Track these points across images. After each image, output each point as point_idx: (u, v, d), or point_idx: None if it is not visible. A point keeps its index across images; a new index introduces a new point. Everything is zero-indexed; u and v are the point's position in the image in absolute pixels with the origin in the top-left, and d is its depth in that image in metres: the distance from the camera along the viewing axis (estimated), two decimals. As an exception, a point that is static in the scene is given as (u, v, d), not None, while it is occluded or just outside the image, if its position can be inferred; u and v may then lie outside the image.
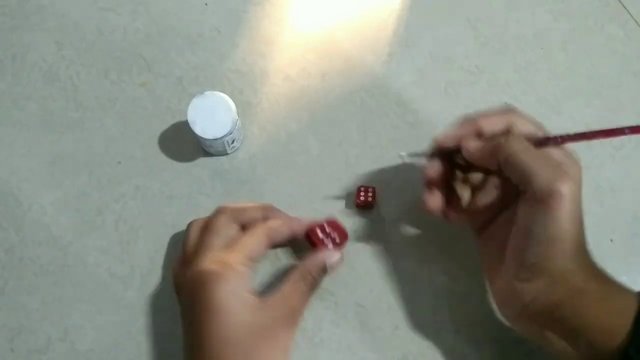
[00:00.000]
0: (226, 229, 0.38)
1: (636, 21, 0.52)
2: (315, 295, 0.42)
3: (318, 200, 0.45)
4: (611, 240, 0.45)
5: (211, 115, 0.42)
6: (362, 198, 0.43)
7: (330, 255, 0.38)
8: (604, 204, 0.46)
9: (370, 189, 0.43)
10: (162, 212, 0.44)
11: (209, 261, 0.35)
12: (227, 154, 0.46)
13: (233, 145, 0.45)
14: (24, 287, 0.42)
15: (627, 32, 0.52)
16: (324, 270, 0.38)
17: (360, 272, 0.43)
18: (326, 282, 0.42)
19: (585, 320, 0.32)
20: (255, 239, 0.38)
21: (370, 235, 0.44)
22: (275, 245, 0.41)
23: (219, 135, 0.41)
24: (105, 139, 0.46)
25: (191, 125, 0.41)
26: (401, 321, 0.42)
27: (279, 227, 0.39)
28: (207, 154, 0.46)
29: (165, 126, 0.47)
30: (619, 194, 0.46)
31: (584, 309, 0.32)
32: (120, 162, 0.46)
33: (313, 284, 0.37)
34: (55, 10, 0.50)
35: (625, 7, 0.52)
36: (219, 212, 0.39)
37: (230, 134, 0.42)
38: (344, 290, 0.42)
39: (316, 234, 0.40)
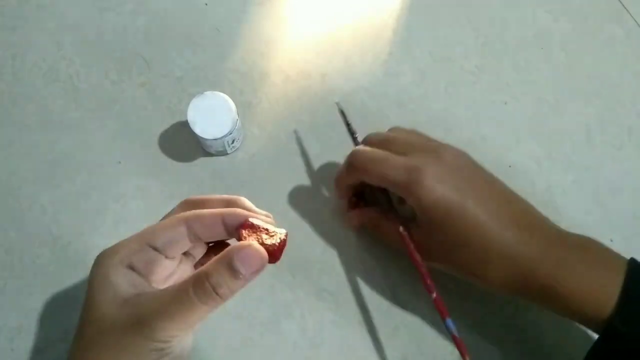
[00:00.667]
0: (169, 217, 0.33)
1: (636, 21, 0.52)
2: (315, 295, 0.42)
3: (318, 201, 0.45)
4: (611, 240, 0.45)
5: (211, 115, 0.42)
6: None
7: (245, 253, 0.27)
8: (604, 204, 0.46)
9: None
10: (162, 212, 0.44)
11: (110, 247, 0.31)
12: (227, 154, 0.46)
13: (233, 145, 0.45)
14: (24, 287, 0.42)
15: (627, 32, 0.52)
16: (230, 274, 0.27)
17: (360, 272, 0.43)
18: (327, 282, 0.42)
19: (563, 290, 0.33)
20: (163, 225, 0.31)
21: (370, 235, 0.44)
22: (207, 238, 0.32)
23: (219, 135, 0.41)
24: (105, 139, 0.46)
25: (191, 125, 0.41)
26: (401, 321, 0.42)
27: (202, 215, 0.31)
28: (207, 154, 0.46)
29: (165, 126, 0.47)
30: (619, 194, 0.46)
31: (561, 281, 0.33)
32: (120, 162, 0.46)
33: (208, 292, 0.27)
34: (55, 10, 0.50)
35: (625, 7, 0.52)
36: (179, 203, 0.34)
37: (230, 134, 0.42)
38: (344, 290, 0.42)
39: (244, 224, 0.30)
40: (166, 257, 0.31)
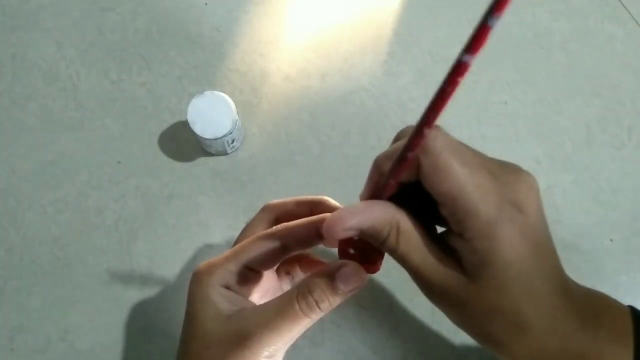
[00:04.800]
0: (256, 227, 0.33)
1: (636, 21, 0.52)
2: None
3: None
4: (611, 240, 0.45)
5: (211, 115, 0.42)
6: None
7: (345, 272, 0.28)
8: (604, 204, 0.46)
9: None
10: (162, 212, 0.44)
11: (205, 263, 0.31)
12: (227, 153, 0.46)
13: (233, 145, 0.45)
14: (24, 287, 0.42)
15: (627, 32, 0.52)
16: (332, 290, 0.28)
17: (360, 272, 0.43)
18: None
19: None
20: (256, 243, 0.31)
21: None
22: (301, 249, 0.32)
23: (219, 135, 0.41)
24: (105, 139, 0.46)
25: (191, 125, 0.41)
26: (401, 321, 0.42)
27: (295, 229, 0.31)
28: (207, 154, 0.46)
29: (165, 126, 0.47)
30: (619, 194, 0.46)
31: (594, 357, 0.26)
32: (120, 162, 0.46)
33: (311, 305, 0.28)
34: (55, 10, 0.50)
35: (625, 7, 0.52)
36: (260, 210, 0.34)
37: (230, 133, 0.42)
38: (344, 290, 0.42)
39: (344, 241, 0.30)
40: (260, 272, 0.32)
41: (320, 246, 0.32)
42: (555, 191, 0.46)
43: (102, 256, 0.43)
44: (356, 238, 0.28)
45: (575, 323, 0.26)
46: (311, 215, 0.32)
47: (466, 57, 0.20)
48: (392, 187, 0.26)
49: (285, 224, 0.31)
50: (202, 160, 0.46)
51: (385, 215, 0.26)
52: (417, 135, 0.23)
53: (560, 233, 0.44)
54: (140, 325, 0.41)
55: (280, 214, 0.34)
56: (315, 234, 0.31)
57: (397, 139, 0.29)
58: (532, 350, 0.26)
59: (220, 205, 0.44)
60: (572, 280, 0.27)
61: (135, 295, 0.42)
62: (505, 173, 0.25)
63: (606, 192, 0.46)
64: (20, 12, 0.50)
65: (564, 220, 0.45)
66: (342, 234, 0.26)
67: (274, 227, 0.32)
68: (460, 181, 0.24)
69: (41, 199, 0.44)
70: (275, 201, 0.34)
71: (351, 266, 0.29)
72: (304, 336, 0.41)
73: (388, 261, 0.43)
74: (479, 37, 0.19)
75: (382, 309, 0.42)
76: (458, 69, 0.20)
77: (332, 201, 0.34)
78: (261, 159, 0.46)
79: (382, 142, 0.47)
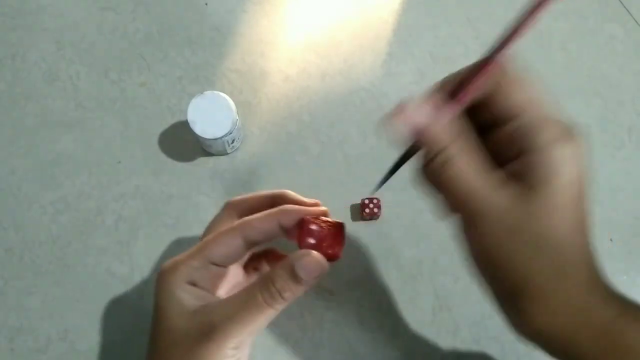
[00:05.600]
0: (219, 224, 0.34)
1: (636, 21, 0.52)
2: (316, 295, 0.42)
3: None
4: (611, 240, 0.45)
5: (211, 115, 0.42)
6: (367, 211, 0.43)
7: (306, 261, 0.29)
8: (604, 204, 0.46)
9: (375, 200, 0.43)
10: (162, 212, 0.44)
11: (170, 261, 0.32)
12: (227, 153, 0.46)
13: (233, 145, 0.45)
14: (24, 287, 0.42)
15: (627, 32, 0.52)
16: (294, 280, 0.29)
17: (360, 272, 0.43)
18: (327, 282, 0.42)
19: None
20: (219, 239, 0.31)
21: (371, 234, 0.44)
22: (262, 241, 0.33)
23: (219, 135, 0.41)
24: (105, 139, 0.46)
25: (191, 125, 0.41)
26: (401, 321, 0.42)
27: (256, 222, 0.31)
28: (207, 153, 0.46)
29: (165, 126, 0.47)
30: (619, 194, 0.46)
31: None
32: (120, 162, 0.46)
33: (274, 296, 0.29)
34: (55, 10, 0.50)
35: (625, 7, 0.52)
36: (222, 207, 0.35)
37: (230, 133, 0.42)
38: (345, 290, 0.42)
39: (303, 231, 0.31)
40: (224, 267, 0.32)
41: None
42: (555, 191, 0.46)
43: (102, 256, 0.43)
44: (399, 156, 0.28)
45: (603, 293, 0.26)
46: (272, 205, 0.33)
47: None
48: (460, 105, 0.26)
49: (246, 218, 0.32)
50: (202, 160, 0.46)
51: (452, 126, 0.26)
52: (503, 45, 0.24)
53: (560, 233, 0.44)
54: (140, 325, 0.41)
55: (243, 209, 0.34)
56: (276, 225, 0.31)
57: (437, 87, 0.29)
58: (565, 306, 0.25)
59: (220, 205, 0.44)
60: None
61: (135, 295, 0.42)
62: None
63: (606, 192, 0.46)
64: (20, 12, 0.50)
65: (564, 220, 0.45)
66: (402, 128, 0.25)
67: (235, 222, 0.32)
68: (532, 92, 0.26)
69: (41, 199, 0.44)
70: (237, 198, 0.35)
71: (312, 255, 0.29)
72: (305, 336, 0.41)
73: (388, 261, 0.43)
74: None
75: (382, 309, 0.42)
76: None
77: (293, 194, 0.34)
78: (261, 159, 0.46)
79: (382, 142, 0.47)
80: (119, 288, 0.42)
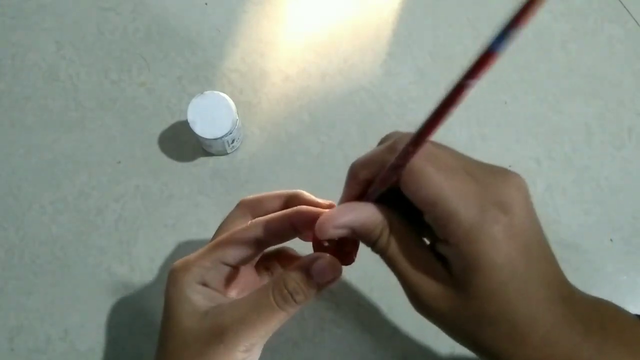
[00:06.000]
0: (232, 224, 0.33)
1: (636, 21, 0.52)
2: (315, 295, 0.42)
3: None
4: (611, 240, 0.45)
5: (211, 115, 0.42)
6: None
7: (320, 264, 0.28)
8: (604, 204, 0.46)
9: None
10: (162, 212, 0.44)
11: (181, 260, 0.31)
12: (227, 153, 0.46)
13: (233, 145, 0.45)
14: (24, 287, 0.42)
15: (627, 32, 0.52)
16: (307, 283, 0.28)
17: (360, 272, 0.43)
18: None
19: None
20: (232, 239, 0.31)
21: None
22: (275, 242, 0.32)
23: (219, 135, 0.41)
24: (105, 139, 0.46)
25: (191, 125, 0.41)
26: (401, 321, 0.42)
27: (269, 224, 0.31)
28: (207, 153, 0.46)
29: (165, 126, 0.47)
30: (619, 194, 0.46)
31: None
32: (120, 162, 0.46)
33: (286, 298, 0.28)
34: (55, 10, 0.50)
35: (625, 7, 0.52)
36: (235, 206, 0.34)
37: (230, 133, 0.42)
38: (345, 290, 0.42)
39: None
40: (236, 268, 0.32)
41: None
42: (555, 191, 0.46)
43: (102, 256, 0.43)
44: (346, 237, 0.28)
45: (579, 333, 0.24)
46: (286, 209, 0.32)
47: (467, 82, 0.19)
48: (375, 194, 0.26)
49: (260, 218, 0.31)
50: (202, 160, 0.46)
51: (377, 215, 0.26)
52: (415, 145, 0.22)
53: (560, 233, 0.44)
54: (140, 325, 0.41)
55: (257, 209, 0.33)
56: (289, 227, 0.30)
57: (381, 142, 0.29)
58: None
59: (220, 205, 0.44)
60: (577, 288, 0.26)
61: (135, 295, 0.42)
62: (488, 175, 0.25)
63: (606, 192, 0.46)
64: (20, 12, 0.50)
65: (564, 220, 0.45)
66: (334, 232, 0.26)
67: (249, 222, 0.32)
68: (437, 186, 0.24)
69: (41, 199, 0.44)
70: (250, 197, 0.34)
71: (326, 258, 0.29)
72: (304, 336, 0.41)
73: (388, 261, 0.43)
74: (482, 63, 0.19)
75: (382, 309, 0.42)
76: (459, 91, 0.19)
77: (307, 194, 0.33)
78: (261, 159, 0.46)
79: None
80: (119, 288, 0.42)
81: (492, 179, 0.25)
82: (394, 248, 0.26)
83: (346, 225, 0.26)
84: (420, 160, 0.24)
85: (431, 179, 0.24)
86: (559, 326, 0.24)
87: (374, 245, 0.26)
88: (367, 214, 0.26)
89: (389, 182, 0.25)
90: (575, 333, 0.24)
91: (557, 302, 0.25)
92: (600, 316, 0.26)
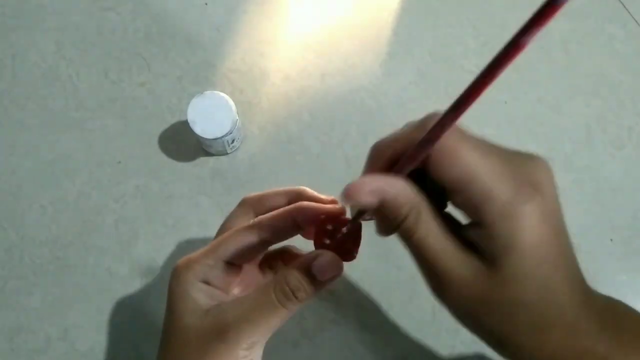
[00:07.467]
0: (235, 222, 0.33)
1: (636, 21, 0.52)
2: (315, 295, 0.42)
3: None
4: (611, 240, 0.45)
5: (211, 115, 0.42)
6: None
7: (322, 262, 0.28)
8: (604, 204, 0.46)
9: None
10: (162, 212, 0.44)
11: (184, 258, 0.31)
12: (227, 153, 0.46)
13: (233, 145, 0.45)
14: (24, 287, 0.42)
15: (627, 32, 0.52)
16: (308, 280, 0.28)
17: (360, 272, 0.43)
18: (326, 282, 0.42)
19: None
20: (234, 237, 0.31)
21: (371, 234, 0.44)
22: (278, 240, 0.32)
23: (219, 135, 0.41)
24: (105, 139, 0.46)
25: (191, 125, 0.41)
26: (401, 321, 0.42)
27: (271, 221, 0.31)
28: (207, 153, 0.46)
29: (165, 126, 0.47)
30: (619, 194, 0.46)
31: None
32: (120, 162, 0.46)
33: (288, 295, 0.28)
34: (55, 10, 0.50)
35: (625, 7, 0.52)
36: (238, 204, 0.34)
37: (230, 133, 0.42)
38: (345, 290, 0.42)
39: (319, 230, 0.30)
40: (239, 266, 0.32)
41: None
42: (555, 191, 0.46)
43: (102, 256, 0.43)
44: (365, 217, 0.27)
45: (597, 326, 0.24)
46: (289, 203, 0.32)
47: (524, 38, 0.18)
48: (402, 173, 0.25)
49: (262, 216, 0.31)
50: (202, 160, 0.46)
51: (409, 191, 0.24)
52: (456, 111, 0.22)
53: (560, 233, 0.44)
54: (140, 325, 0.41)
55: (260, 206, 0.33)
56: (292, 224, 0.30)
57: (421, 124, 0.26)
58: (554, 354, 0.24)
59: (220, 205, 0.44)
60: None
61: (135, 295, 0.42)
62: (517, 156, 0.24)
63: (606, 192, 0.46)
64: (20, 12, 0.50)
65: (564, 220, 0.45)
66: (365, 199, 0.24)
67: (252, 220, 0.32)
68: (472, 164, 0.23)
69: (41, 199, 0.44)
70: (253, 194, 0.34)
71: (327, 255, 0.29)
72: (304, 336, 0.41)
73: (388, 261, 0.43)
74: (545, 15, 0.17)
75: (382, 309, 0.42)
76: (515, 49, 0.18)
77: (311, 191, 0.33)
78: (261, 159, 0.46)
79: (382, 142, 0.47)
80: (119, 288, 0.42)
81: (521, 160, 0.24)
82: (422, 231, 0.24)
83: (379, 190, 0.24)
84: (453, 139, 0.23)
85: (466, 157, 0.23)
86: (581, 318, 0.24)
87: (399, 225, 0.25)
88: (400, 187, 0.24)
89: (418, 158, 0.23)
90: (593, 326, 0.24)
91: (580, 292, 0.24)
92: (613, 312, 0.26)
